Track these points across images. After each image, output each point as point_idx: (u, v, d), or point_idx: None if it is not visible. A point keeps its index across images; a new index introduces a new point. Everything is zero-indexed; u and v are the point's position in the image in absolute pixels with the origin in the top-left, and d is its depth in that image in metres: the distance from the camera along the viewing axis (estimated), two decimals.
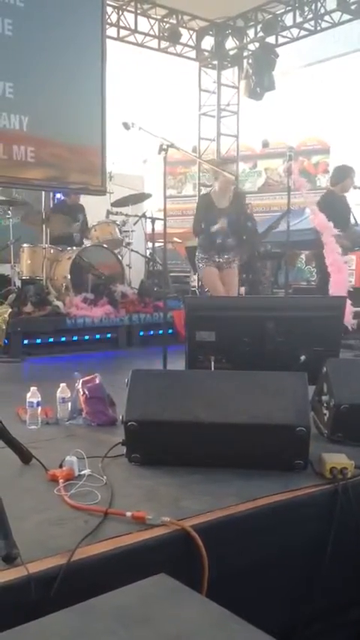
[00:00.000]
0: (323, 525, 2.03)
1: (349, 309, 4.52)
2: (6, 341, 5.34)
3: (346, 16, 8.97)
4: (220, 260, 5.32)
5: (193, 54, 10.75)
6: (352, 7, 8.66)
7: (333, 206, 5.87)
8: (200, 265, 5.38)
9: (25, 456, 2.26)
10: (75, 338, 5.86)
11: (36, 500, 1.96)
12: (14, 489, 2.06)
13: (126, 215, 7.35)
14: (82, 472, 2.14)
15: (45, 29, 5.97)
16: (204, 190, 11.34)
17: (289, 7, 9.50)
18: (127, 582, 1.35)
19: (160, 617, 1.24)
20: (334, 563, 2.03)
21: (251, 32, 10.34)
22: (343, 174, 5.98)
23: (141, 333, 6.28)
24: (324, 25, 9.37)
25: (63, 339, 5.79)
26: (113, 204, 7.48)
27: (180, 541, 1.72)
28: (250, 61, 9.71)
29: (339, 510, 2.03)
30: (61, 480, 2.04)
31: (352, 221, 6.08)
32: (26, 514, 1.83)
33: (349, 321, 4.81)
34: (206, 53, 10.82)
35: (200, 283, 8.77)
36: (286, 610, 2.03)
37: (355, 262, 7.74)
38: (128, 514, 1.78)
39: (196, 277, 8.92)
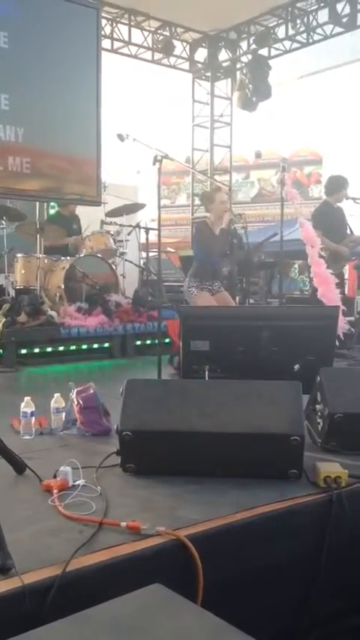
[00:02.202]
0: (318, 534, 2.03)
1: (341, 319, 4.49)
2: (0, 351, 5.33)
3: (338, 29, 9.07)
4: (211, 287, 5.27)
5: (186, 65, 10.85)
6: (344, 20, 8.76)
7: (329, 216, 5.92)
8: (192, 291, 5.23)
9: (19, 467, 2.26)
10: (69, 348, 5.85)
11: (30, 510, 1.96)
12: (8, 500, 2.05)
13: (120, 225, 7.37)
14: (77, 482, 2.13)
15: (41, 42, 6.03)
16: (197, 200, 11.42)
17: (282, 20, 9.61)
18: (123, 592, 1.35)
19: (156, 627, 1.24)
20: (330, 572, 2.03)
21: (244, 44, 10.45)
22: (338, 185, 6.03)
23: (135, 343, 6.28)
24: (316, 37, 9.49)
25: (57, 348, 5.78)
26: (107, 215, 7.50)
27: (175, 551, 1.71)
28: (245, 71, 9.79)
29: (333, 519, 2.04)
30: (55, 491, 2.04)
31: (348, 231, 6.12)
32: (20, 525, 1.83)
33: (341, 327, 4.80)
34: (199, 65, 10.92)
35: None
36: (282, 619, 2.03)
37: (348, 272, 7.79)
38: (123, 524, 1.77)
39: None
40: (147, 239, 7.54)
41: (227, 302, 5.38)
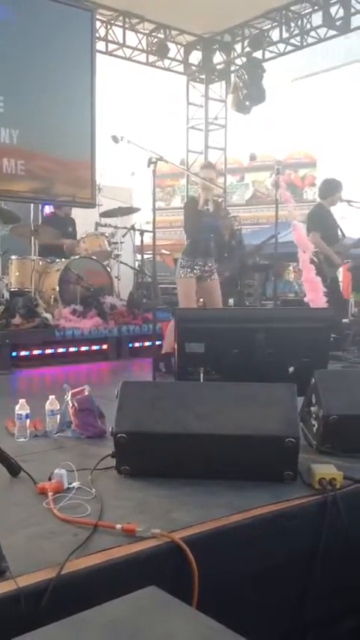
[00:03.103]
0: (313, 536, 2.03)
1: None
2: None
3: (331, 32, 9.11)
4: (203, 269, 5.16)
5: (181, 68, 10.86)
6: (337, 23, 8.80)
7: (323, 218, 5.94)
8: (180, 273, 5.16)
9: (14, 469, 2.25)
10: (64, 350, 5.84)
11: (25, 513, 1.95)
12: (2, 503, 2.05)
13: (115, 227, 7.37)
14: (72, 485, 2.13)
15: (36, 43, 6.03)
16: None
17: (276, 23, 9.64)
18: (118, 595, 1.35)
19: (151, 629, 1.23)
20: (326, 573, 2.03)
21: (238, 47, 10.47)
22: (332, 188, 6.04)
23: (130, 345, 6.27)
24: (310, 40, 9.51)
25: (52, 351, 5.76)
26: (102, 215, 7.49)
27: (170, 553, 1.71)
28: (240, 73, 9.81)
29: (328, 521, 2.04)
30: (50, 493, 2.03)
31: (340, 234, 6.15)
32: (15, 527, 1.82)
33: None
34: (194, 67, 10.94)
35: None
36: (278, 621, 2.03)
37: (342, 274, 7.82)
38: (118, 526, 1.77)
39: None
40: (142, 241, 7.55)
41: (213, 294, 5.24)
